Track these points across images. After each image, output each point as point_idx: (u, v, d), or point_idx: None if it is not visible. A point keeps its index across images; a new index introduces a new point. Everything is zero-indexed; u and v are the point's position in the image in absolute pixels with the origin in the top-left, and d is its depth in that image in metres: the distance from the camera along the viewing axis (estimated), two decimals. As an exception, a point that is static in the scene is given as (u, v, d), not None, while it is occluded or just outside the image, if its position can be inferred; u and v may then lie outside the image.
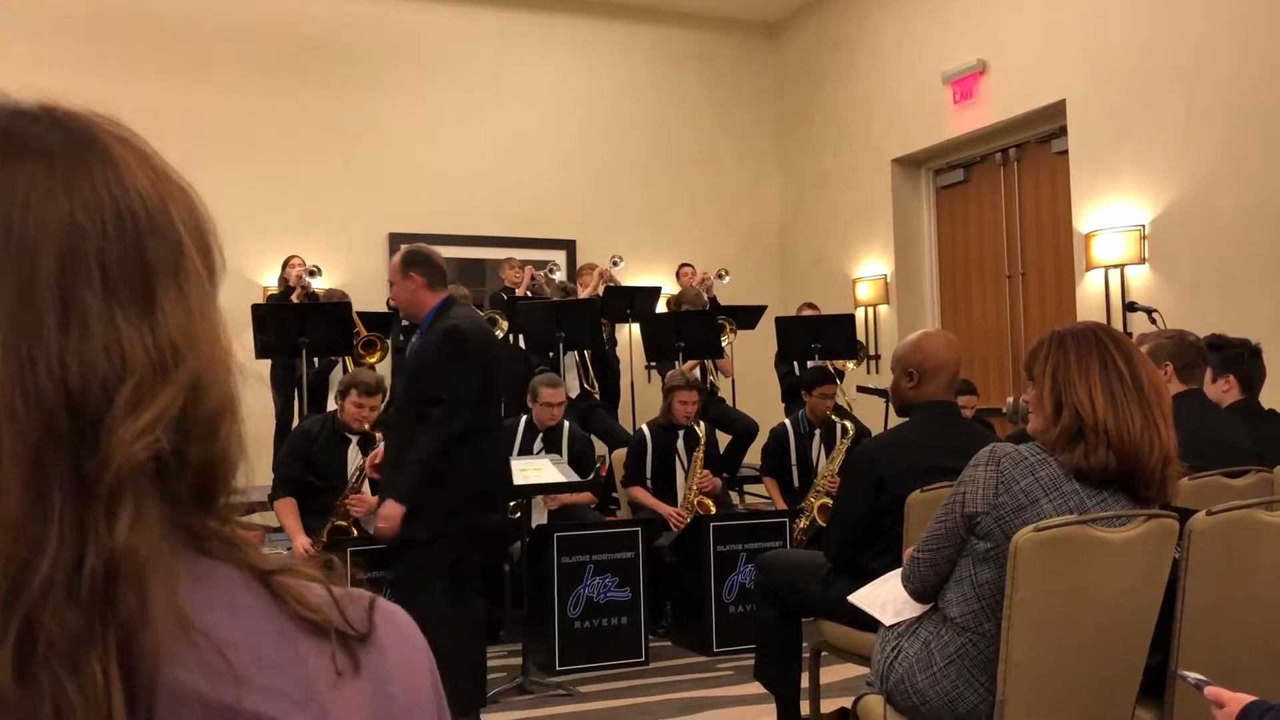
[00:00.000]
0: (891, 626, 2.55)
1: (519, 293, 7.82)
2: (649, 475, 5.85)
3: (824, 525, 5.41)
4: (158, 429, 0.60)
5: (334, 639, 0.66)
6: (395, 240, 8.96)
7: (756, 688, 3.96)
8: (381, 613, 0.70)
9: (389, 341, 6.71)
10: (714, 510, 5.66)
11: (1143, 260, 6.76)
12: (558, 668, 4.93)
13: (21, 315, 0.58)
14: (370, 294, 8.02)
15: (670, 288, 8.67)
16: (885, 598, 2.66)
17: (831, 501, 5.44)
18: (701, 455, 5.80)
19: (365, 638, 0.67)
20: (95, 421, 0.58)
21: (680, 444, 5.88)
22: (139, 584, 0.57)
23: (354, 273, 8.58)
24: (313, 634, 0.65)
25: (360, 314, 6.60)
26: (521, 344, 7.21)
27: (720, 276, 8.18)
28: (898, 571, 2.67)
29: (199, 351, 0.64)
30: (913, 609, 2.53)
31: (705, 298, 7.81)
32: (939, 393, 3.25)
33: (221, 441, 0.64)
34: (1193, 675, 1.87)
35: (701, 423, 5.89)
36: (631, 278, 8.69)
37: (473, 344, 3.88)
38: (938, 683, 2.39)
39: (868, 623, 2.79)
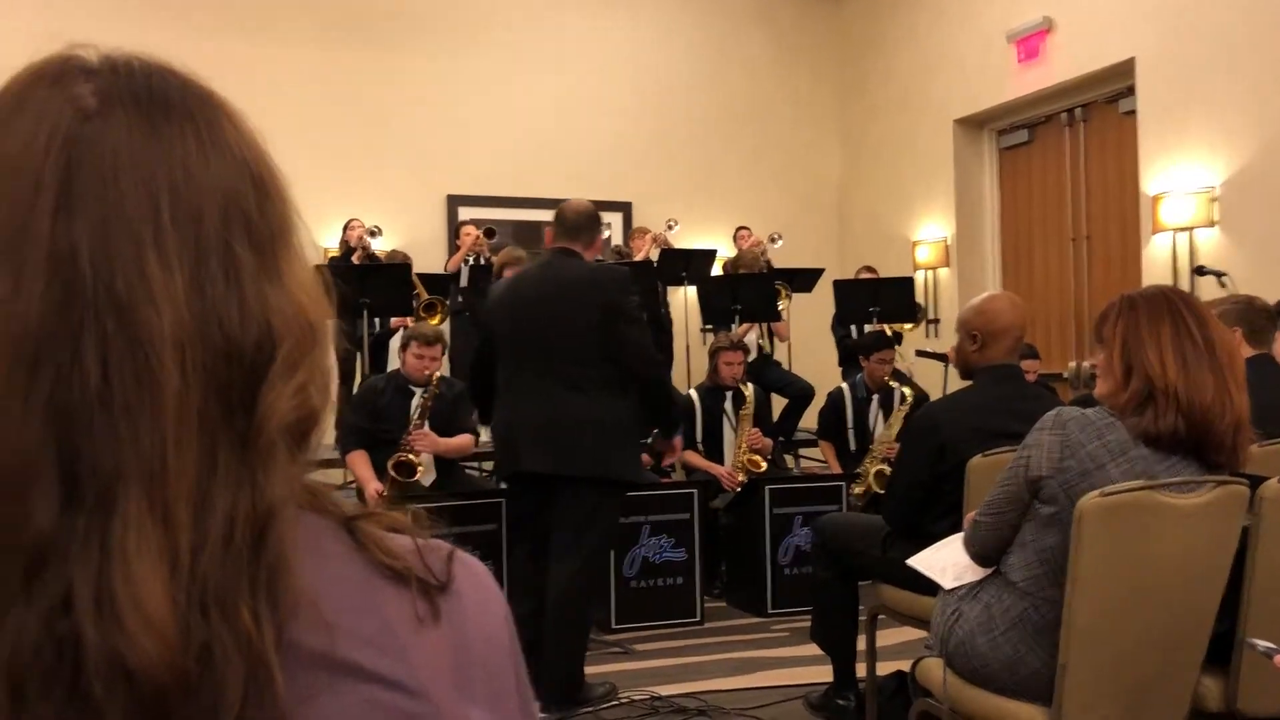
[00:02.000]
0: (951, 590, 2.54)
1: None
2: (699, 439, 5.85)
3: (880, 492, 5.39)
4: (309, 388, 0.63)
5: (414, 586, 0.67)
6: (453, 202, 9.00)
7: (811, 649, 3.97)
8: (460, 562, 0.70)
9: (448, 304, 6.76)
10: (764, 467, 5.66)
11: (1212, 223, 6.59)
12: (614, 625, 4.98)
13: (196, 274, 0.60)
14: (429, 255, 8.08)
15: (726, 250, 8.62)
16: (945, 561, 2.64)
17: (888, 468, 5.42)
18: (750, 413, 5.78)
19: (444, 586, 0.68)
20: (256, 378, 0.61)
21: (728, 405, 5.87)
22: (280, 535, 0.60)
23: (413, 234, 8.64)
24: (393, 581, 0.66)
25: (419, 275, 6.65)
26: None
27: (773, 241, 8.12)
28: (958, 535, 2.65)
29: (319, 311, 0.66)
30: (974, 573, 2.51)
31: (762, 261, 7.76)
32: (1003, 356, 3.20)
33: (322, 397, 0.66)
34: (1262, 643, 1.85)
35: (749, 384, 5.87)
36: (686, 240, 8.65)
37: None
38: (998, 647, 2.37)
39: (926, 586, 2.78)
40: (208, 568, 0.57)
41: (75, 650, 0.55)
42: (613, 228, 9.28)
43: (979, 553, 2.46)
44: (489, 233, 7.51)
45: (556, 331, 3.75)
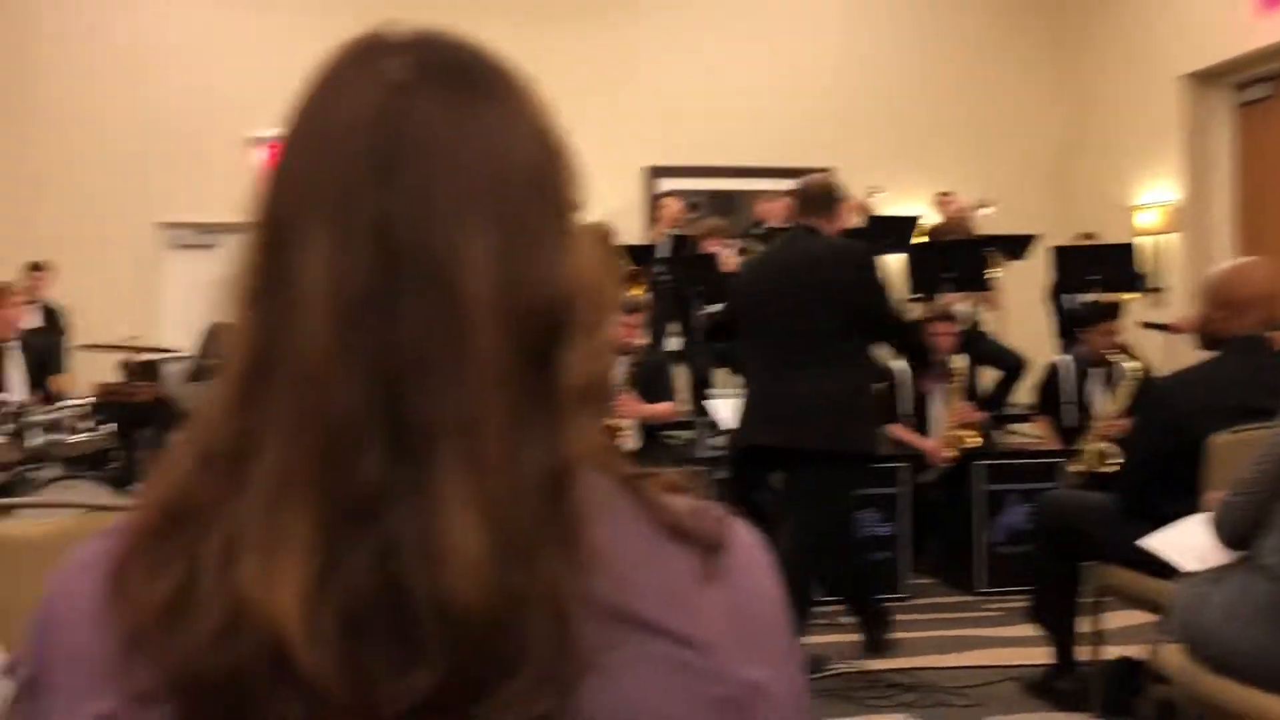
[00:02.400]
0: (1193, 574, 2.40)
1: (774, 224, 7.76)
2: (908, 412, 5.71)
3: (1100, 471, 5.15)
4: (602, 351, 0.65)
5: (695, 545, 0.68)
6: (652, 173, 9.08)
7: (1025, 629, 3.84)
8: (733, 524, 0.71)
9: (647, 274, 6.83)
10: (976, 442, 5.48)
11: None
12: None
13: (502, 240, 0.63)
14: (626, 226, 8.17)
15: (923, 217, 8.35)
16: (1185, 543, 2.50)
17: (1110, 446, 5.17)
18: (959, 387, 5.60)
19: (721, 547, 0.69)
20: (555, 340, 0.63)
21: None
22: (578, 490, 0.62)
23: (609, 206, 8.76)
24: (675, 540, 0.68)
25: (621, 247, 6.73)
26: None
27: (983, 207, 7.80)
28: (1198, 516, 2.50)
29: (608, 279, 0.69)
30: (1218, 556, 2.36)
31: (969, 227, 7.49)
32: (1252, 327, 2.98)
33: (610, 360, 0.69)
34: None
35: (959, 356, 5.68)
36: (888, 207, 8.44)
37: None
38: (1246, 635, 2.23)
39: (1158, 568, 2.64)
40: (517, 518, 0.60)
41: (402, 592, 0.58)
42: (813, 197, 9.15)
43: (1229, 536, 2.31)
44: (691, 206, 7.55)
45: (798, 307, 3.80)
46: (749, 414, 3.96)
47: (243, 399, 0.62)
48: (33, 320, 7.15)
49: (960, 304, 6.87)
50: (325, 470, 0.59)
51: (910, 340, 4.20)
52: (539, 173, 0.66)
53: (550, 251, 0.65)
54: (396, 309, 0.61)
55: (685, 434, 6.13)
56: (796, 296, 3.79)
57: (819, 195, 3.96)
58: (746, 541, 0.71)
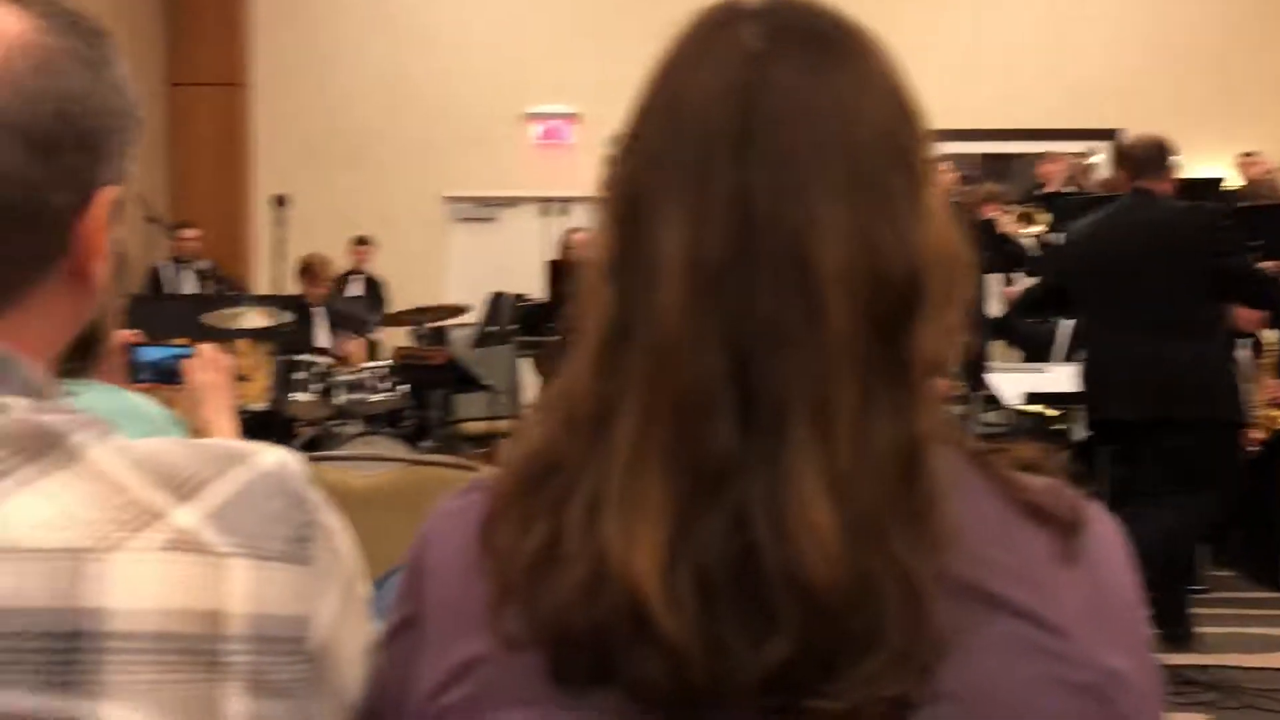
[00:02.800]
0: None
1: (1052, 188, 7.35)
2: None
3: None
4: (954, 328, 0.64)
5: (1051, 526, 0.65)
6: (924, 138, 8.78)
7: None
8: (1089, 505, 0.68)
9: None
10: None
11: None
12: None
13: (858, 209, 0.62)
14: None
15: (1225, 180, 7.65)
16: None
17: None
18: (1272, 363, 5.15)
19: (1079, 528, 0.66)
20: (907, 314, 0.62)
21: (1245, 355, 5.24)
22: (930, 467, 0.61)
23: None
24: (1029, 517, 0.65)
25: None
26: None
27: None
28: None
29: (962, 251, 0.66)
30: None
31: (1277, 190, 6.81)
32: None
33: (960, 337, 0.66)
34: None
35: (1269, 330, 5.21)
36: (1184, 170, 7.79)
37: None
38: None
39: None
40: (866, 494, 0.59)
41: (754, 563, 0.58)
42: (1099, 160, 8.59)
43: None
44: (964, 178, 7.28)
45: (1149, 274, 3.77)
46: (1104, 387, 3.90)
47: (601, 367, 0.64)
48: (354, 290, 7.80)
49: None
50: (678, 437, 0.60)
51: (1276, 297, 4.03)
52: (894, 137, 0.65)
53: (906, 220, 0.63)
54: (752, 280, 0.61)
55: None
56: (1151, 263, 3.75)
57: (1149, 156, 3.90)
58: (1103, 523, 0.68)
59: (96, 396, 1.35)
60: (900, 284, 0.62)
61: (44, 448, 0.62)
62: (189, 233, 7.95)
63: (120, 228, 0.74)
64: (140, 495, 0.62)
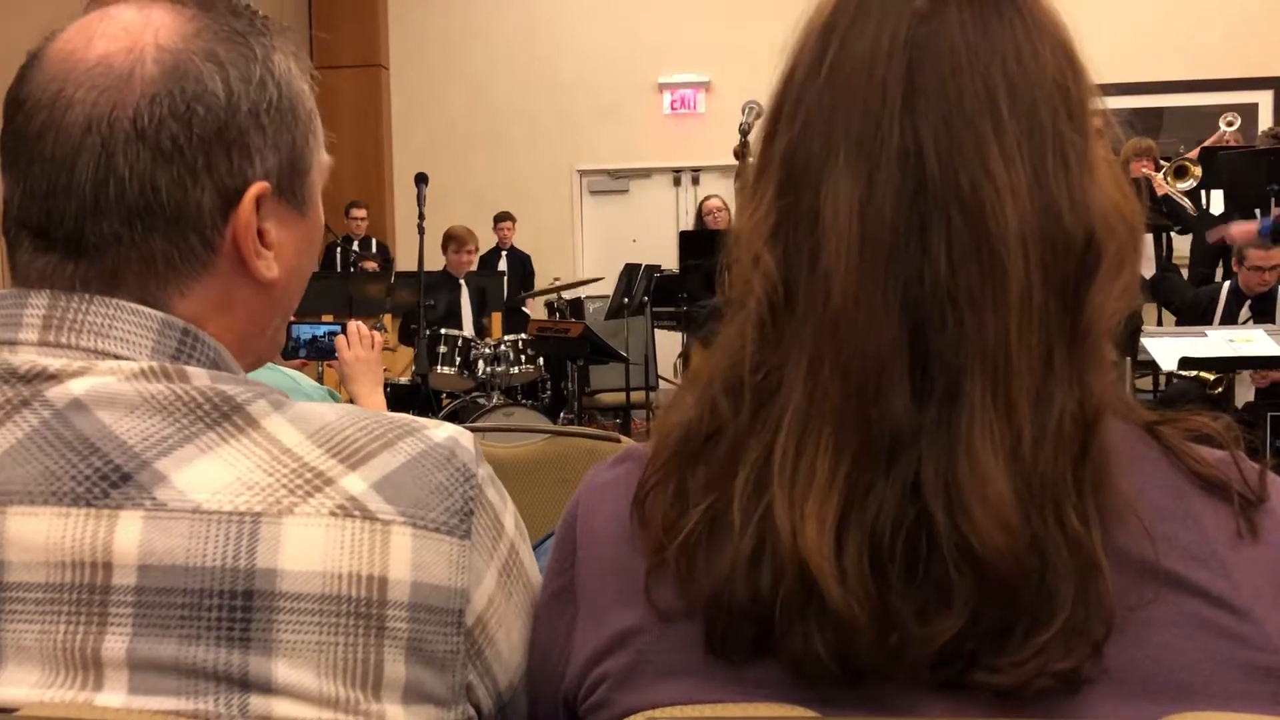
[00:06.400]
0: None
1: (1209, 142, 6.98)
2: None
3: None
4: (1132, 290, 0.61)
5: (1229, 500, 0.62)
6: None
7: None
8: (1268, 477, 0.64)
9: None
10: None
11: None
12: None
13: (1035, 166, 0.60)
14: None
15: None
16: None
17: None
18: None
19: (1260, 502, 0.63)
20: (1086, 276, 0.60)
21: None
22: (1104, 438, 0.59)
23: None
24: (1207, 492, 0.63)
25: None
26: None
27: None
28: None
29: (1137, 210, 0.63)
30: None
31: None
32: None
33: (1136, 301, 0.64)
34: None
35: None
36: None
37: None
38: None
39: None
40: (1042, 463, 0.57)
41: (927, 531, 0.57)
42: (1260, 108, 8.11)
43: None
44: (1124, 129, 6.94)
45: None
46: None
47: (765, 337, 0.63)
48: (501, 266, 7.92)
49: None
50: (850, 407, 0.59)
51: None
52: (1063, 89, 0.62)
53: (1080, 176, 0.61)
54: (926, 242, 0.59)
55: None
56: None
57: None
58: None
59: (259, 372, 1.41)
60: (1075, 245, 0.59)
61: (223, 415, 0.65)
62: (358, 212, 8.16)
63: (315, 212, 0.75)
64: (312, 462, 0.64)
